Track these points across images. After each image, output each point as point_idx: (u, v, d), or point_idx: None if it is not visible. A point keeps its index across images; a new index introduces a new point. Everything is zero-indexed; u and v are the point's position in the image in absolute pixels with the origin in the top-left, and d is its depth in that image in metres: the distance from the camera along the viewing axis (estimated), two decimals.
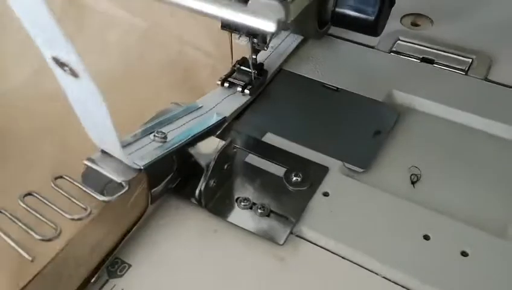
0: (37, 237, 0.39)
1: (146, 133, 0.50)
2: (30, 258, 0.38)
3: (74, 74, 0.36)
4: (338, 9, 0.64)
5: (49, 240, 0.39)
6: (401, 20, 0.77)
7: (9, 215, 0.40)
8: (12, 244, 0.38)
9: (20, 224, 0.39)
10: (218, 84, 0.63)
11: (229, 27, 0.58)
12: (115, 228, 0.47)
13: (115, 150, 0.44)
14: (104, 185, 0.45)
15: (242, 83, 0.63)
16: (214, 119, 0.57)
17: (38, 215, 0.40)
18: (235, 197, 0.52)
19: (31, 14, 0.34)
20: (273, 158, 0.56)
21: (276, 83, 0.67)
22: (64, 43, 0.34)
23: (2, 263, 0.44)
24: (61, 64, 0.36)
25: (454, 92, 0.64)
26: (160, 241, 0.49)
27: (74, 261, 0.44)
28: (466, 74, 0.67)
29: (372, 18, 0.62)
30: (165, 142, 0.50)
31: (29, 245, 0.39)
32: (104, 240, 0.46)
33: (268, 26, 0.28)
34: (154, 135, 0.50)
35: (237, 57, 0.64)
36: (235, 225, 0.50)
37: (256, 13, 0.28)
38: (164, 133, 0.50)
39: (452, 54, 0.70)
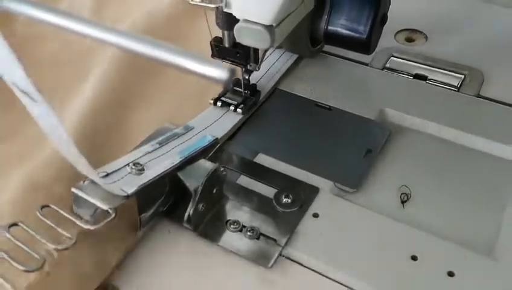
0: (21, 268, 0.39)
1: (123, 164, 0.50)
2: None
3: (33, 99, 0.37)
4: (330, 29, 0.65)
5: (34, 271, 0.39)
6: (395, 36, 0.78)
7: None
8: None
9: (5, 256, 0.40)
10: (210, 104, 0.64)
11: (218, 56, 0.59)
12: (104, 254, 0.47)
13: (89, 174, 0.44)
14: (95, 210, 0.46)
15: (235, 103, 0.63)
16: (206, 141, 0.57)
17: (23, 247, 0.41)
18: (226, 219, 0.53)
19: None
20: (264, 179, 0.57)
21: (270, 102, 0.68)
22: (16, 70, 0.35)
23: None
24: (21, 90, 0.37)
25: (446, 109, 0.64)
26: (150, 265, 0.49)
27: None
28: (458, 91, 0.67)
29: (364, 37, 0.63)
30: (141, 173, 0.50)
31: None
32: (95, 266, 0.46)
33: (221, 74, 0.29)
34: (131, 167, 0.50)
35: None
36: (225, 249, 0.50)
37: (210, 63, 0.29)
38: (141, 164, 0.50)
39: (445, 70, 0.70)
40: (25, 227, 0.42)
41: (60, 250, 0.41)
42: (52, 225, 0.43)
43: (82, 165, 0.42)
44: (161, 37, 0.72)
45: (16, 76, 0.34)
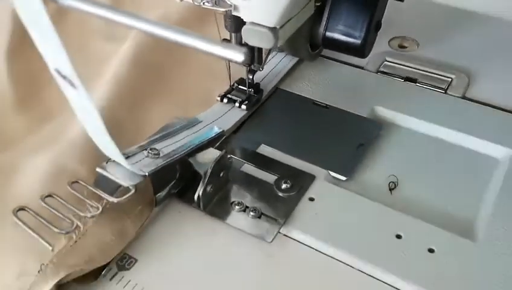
0: (56, 230, 0.45)
1: (141, 149, 0.56)
2: (50, 248, 0.44)
3: (73, 85, 0.41)
4: (328, 34, 0.69)
5: (67, 233, 0.45)
6: (389, 42, 0.84)
7: (32, 213, 0.47)
8: (36, 236, 0.45)
9: (41, 220, 0.46)
10: (217, 100, 0.70)
11: None
12: (124, 227, 0.53)
13: (117, 158, 0.50)
14: (116, 189, 0.52)
15: (239, 99, 0.69)
16: (213, 132, 0.63)
17: (57, 213, 0.47)
18: (231, 201, 0.58)
19: (36, 26, 0.39)
20: (266, 167, 0.62)
21: (271, 100, 0.73)
22: (62, 56, 0.39)
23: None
24: (63, 76, 0.41)
25: (434, 108, 0.70)
26: (163, 239, 0.55)
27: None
28: (445, 92, 0.73)
29: (359, 42, 0.67)
30: (157, 157, 0.55)
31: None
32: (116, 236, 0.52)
33: (238, 57, 0.35)
34: (148, 151, 0.56)
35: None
36: (230, 226, 0.56)
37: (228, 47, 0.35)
38: (157, 149, 0.56)
39: (433, 73, 0.76)
40: (58, 198, 0.48)
41: (88, 218, 0.47)
42: (81, 197, 0.48)
43: (111, 149, 0.48)
44: None
45: (60, 61, 0.39)
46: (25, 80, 0.73)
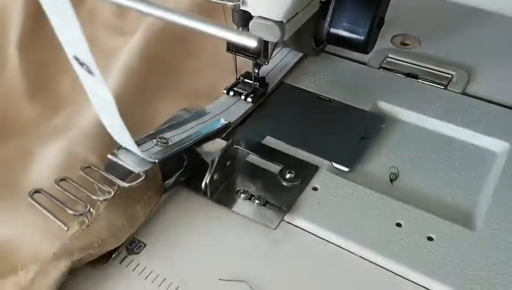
0: (71, 212, 0.47)
1: (150, 137, 0.58)
2: (66, 228, 0.46)
3: (90, 72, 0.43)
4: (332, 30, 0.71)
5: (81, 215, 0.47)
6: (391, 40, 0.85)
7: (47, 194, 0.49)
8: (51, 217, 0.47)
9: (56, 202, 0.48)
10: (223, 93, 0.72)
11: (233, 50, 0.67)
12: (134, 212, 0.54)
13: (129, 145, 0.52)
14: (126, 175, 0.54)
15: (245, 92, 0.71)
16: (219, 123, 0.65)
17: (71, 196, 0.49)
18: (236, 189, 0.60)
19: (58, 13, 0.40)
20: (271, 158, 0.64)
21: (276, 94, 0.75)
22: (82, 43, 0.40)
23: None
24: (81, 63, 0.43)
25: (434, 103, 0.72)
26: (171, 225, 0.57)
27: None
28: (446, 88, 0.75)
29: (362, 38, 0.69)
30: (166, 146, 0.58)
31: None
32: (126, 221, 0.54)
33: (251, 42, 0.37)
34: (157, 140, 0.58)
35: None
36: (236, 213, 0.58)
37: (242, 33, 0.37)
38: (166, 138, 0.58)
39: (434, 70, 0.78)
40: (71, 182, 0.50)
41: (101, 201, 0.49)
42: (93, 181, 0.50)
43: (123, 136, 0.49)
44: (182, 33, 0.80)
45: (80, 48, 0.41)
46: (36, 70, 0.75)
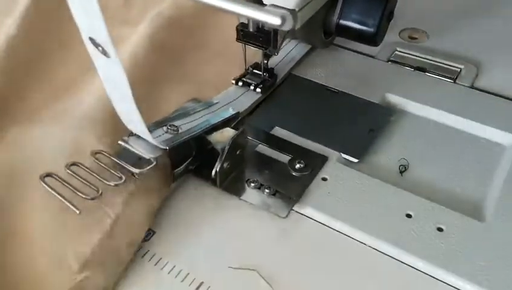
0: (83, 196, 0.47)
1: (160, 125, 0.58)
2: (78, 212, 0.46)
3: (106, 53, 0.43)
4: (342, 22, 0.71)
5: (92, 199, 0.47)
6: (400, 34, 0.85)
7: (59, 179, 0.48)
8: (64, 201, 0.47)
9: (68, 186, 0.48)
10: (232, 83, 0.72)
11: (243, 40, 0.67)
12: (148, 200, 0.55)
13: (141, 130, 0.52)
14: (136, 162, 0.54)
15: (254, 83, 0.71)
16: (229, 113, 0.65)
17: (83, 181, 0.48)
18: (246, 179, 0.60)
19: None
20: (280, 148, 0.64)
21: (285, 85, 0.75)
22: (100, 23, 0.40)
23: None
24: (96, 45, 0.43)
25: (443, 96, 0.71)
26: (180, 213, 0.57)
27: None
28: (454, 82, 0.75)
29: (372, 30, 0.69)
30: (176, 134, 0.57)
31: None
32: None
33: (274, 20, 0.36)
34: (168, 128, 0.58)
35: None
36: (246, 202, 0.58)
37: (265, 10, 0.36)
38: (176, 126, 0.58)
39: (443, 64, 0.78)
40: (82, 167, 0.50)
41: (112, 186, 0.49)
42: (105, 167, 0.50)
43: (135, 121, 0.49)
44: (190, 24, 0.80)
45: (97, 29, 0.41)
46: (43, 54, 0.75)
